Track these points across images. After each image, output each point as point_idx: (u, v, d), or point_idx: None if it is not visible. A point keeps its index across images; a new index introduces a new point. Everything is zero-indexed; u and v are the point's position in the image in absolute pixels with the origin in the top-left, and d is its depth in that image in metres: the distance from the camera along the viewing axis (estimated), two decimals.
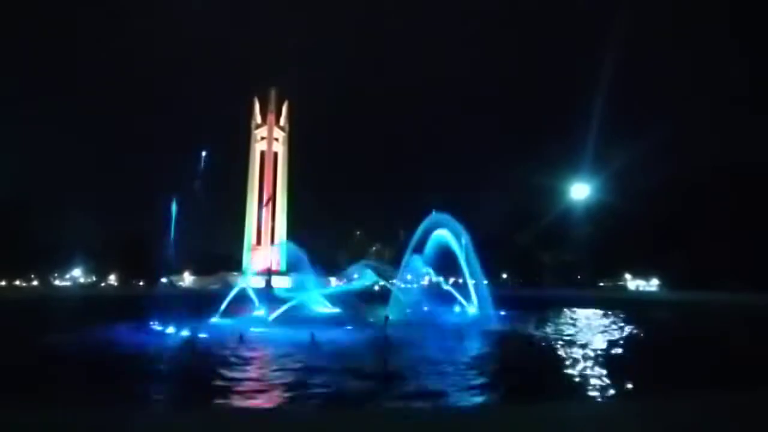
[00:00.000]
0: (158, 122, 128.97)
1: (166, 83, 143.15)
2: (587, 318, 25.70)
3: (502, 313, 24.97)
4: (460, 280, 31.49)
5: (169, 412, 6.20)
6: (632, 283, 73.29)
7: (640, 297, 50.94)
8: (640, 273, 72.33)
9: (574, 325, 22.11)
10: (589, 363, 12.31)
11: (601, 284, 71.88)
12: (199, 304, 23.60)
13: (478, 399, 8.87)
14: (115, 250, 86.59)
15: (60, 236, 78.75)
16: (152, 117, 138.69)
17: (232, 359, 13.00)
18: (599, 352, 14.09)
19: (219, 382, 10.24)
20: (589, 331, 19.64)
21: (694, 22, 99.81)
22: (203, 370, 11.67)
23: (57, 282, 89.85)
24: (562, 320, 24.24)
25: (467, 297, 27.32)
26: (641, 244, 61.15)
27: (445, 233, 24.21)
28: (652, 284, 71.52)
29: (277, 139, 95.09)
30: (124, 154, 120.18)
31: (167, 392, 9.78)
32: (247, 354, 13.95)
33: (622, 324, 22.05)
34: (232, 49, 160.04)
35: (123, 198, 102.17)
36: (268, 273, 75.71)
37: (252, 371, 11.80)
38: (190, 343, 15.96)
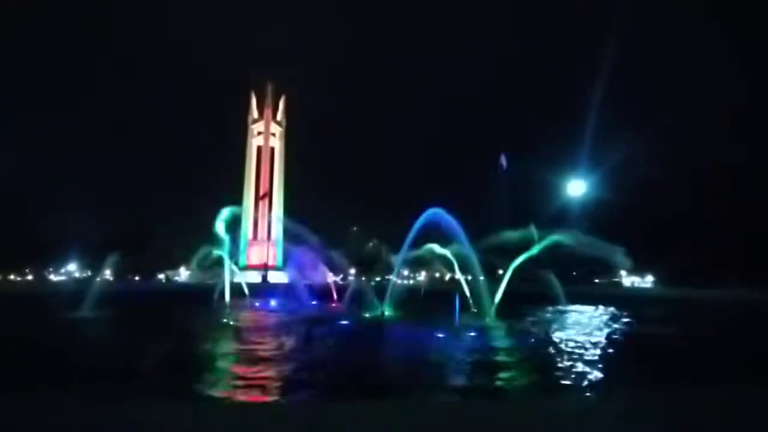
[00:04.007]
0: (157, 121, 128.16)
1: (163, 81, 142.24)
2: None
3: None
4: (457, 277, 31.41)
5: (163, 406, 6.17)
6: (627, 280, 73.64)
7: (636, 294, 51.13)
8: (636, 270, 72.59)
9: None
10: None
11: (597, 281, 72.13)
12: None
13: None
14: (112, 245, 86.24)
15: (56, 231, 78.46)
16: (151, 116, 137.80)
17: None
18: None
19: None
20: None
21: (695, 17, 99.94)
22: None
23: (52, 277, 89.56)
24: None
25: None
26: (637, 241, 61.34)
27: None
28: (647, 281, 71.98)
29: (273, 134, 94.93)
30: (122, 153, 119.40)
31: None
32: None
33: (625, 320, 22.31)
34: (228, 43, 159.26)
35: (120, 195, 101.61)
36: (265, 268, 75.92)
37: None
38: None
